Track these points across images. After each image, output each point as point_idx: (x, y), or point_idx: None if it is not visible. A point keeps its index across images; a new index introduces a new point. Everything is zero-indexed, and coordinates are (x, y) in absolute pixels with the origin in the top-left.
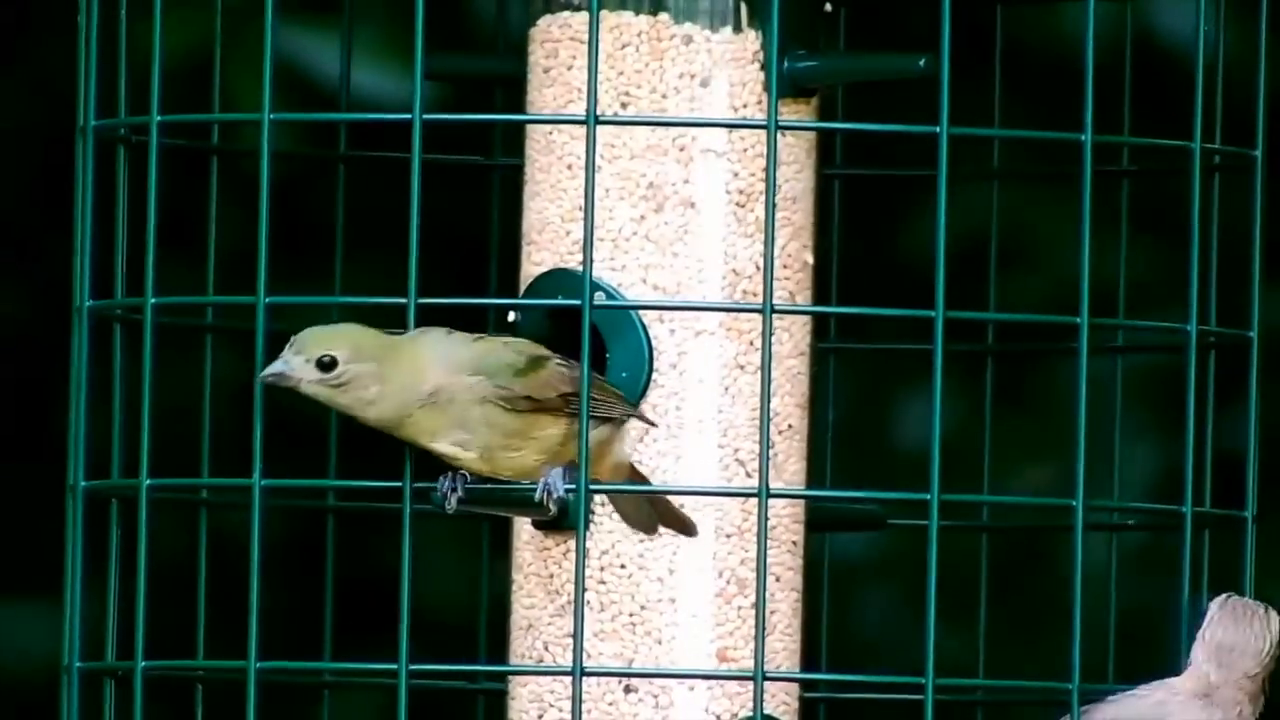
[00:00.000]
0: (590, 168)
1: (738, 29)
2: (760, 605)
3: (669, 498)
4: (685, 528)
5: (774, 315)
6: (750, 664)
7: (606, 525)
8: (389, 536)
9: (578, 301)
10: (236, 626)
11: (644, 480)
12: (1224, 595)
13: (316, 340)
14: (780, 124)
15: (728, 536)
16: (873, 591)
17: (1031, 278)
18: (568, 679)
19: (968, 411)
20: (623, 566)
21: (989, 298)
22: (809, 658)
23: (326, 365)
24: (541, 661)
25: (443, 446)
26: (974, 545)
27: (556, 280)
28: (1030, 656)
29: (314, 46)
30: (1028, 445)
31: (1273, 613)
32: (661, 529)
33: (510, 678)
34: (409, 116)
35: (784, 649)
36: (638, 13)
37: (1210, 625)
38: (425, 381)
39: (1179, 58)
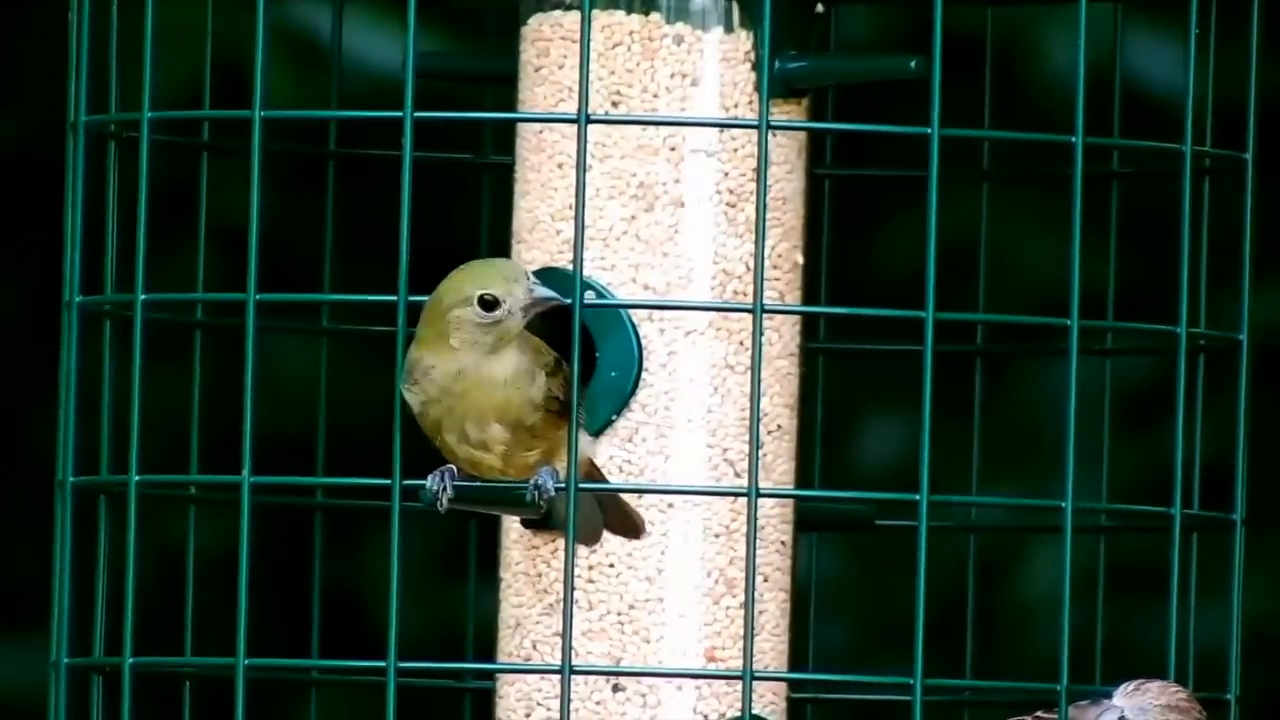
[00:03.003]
0: (581, 167)
1: (729, 29)
2: (749, 605)
3: (624, 496)
4: (635, 530)
5: (764, 316)
6: (737, 663)
7: None
8: (376, 535)
9: (568, 300)
10: (223, 624)
11: (601, 476)
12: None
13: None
14: (771, 124)
15: (716, 536)
16: (846, 601)
17: (1012, 283)
18: (555, 678)
19: (943, 416)
20: (611, 566)
21: (971, 303)
22: (796, 658)
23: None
24: (529, 660)
25: (480, 436)
26: (954, 549)
27: (547, 279)
28: (1005, 659)
29: (319, 13)
30: (999, 450)
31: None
32: (607, 535)
33: (498, 677)
34: (400, 114)
35: (772, 649)
36: (629, 12)
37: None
38: (511, 362)
39: (1162, 75)
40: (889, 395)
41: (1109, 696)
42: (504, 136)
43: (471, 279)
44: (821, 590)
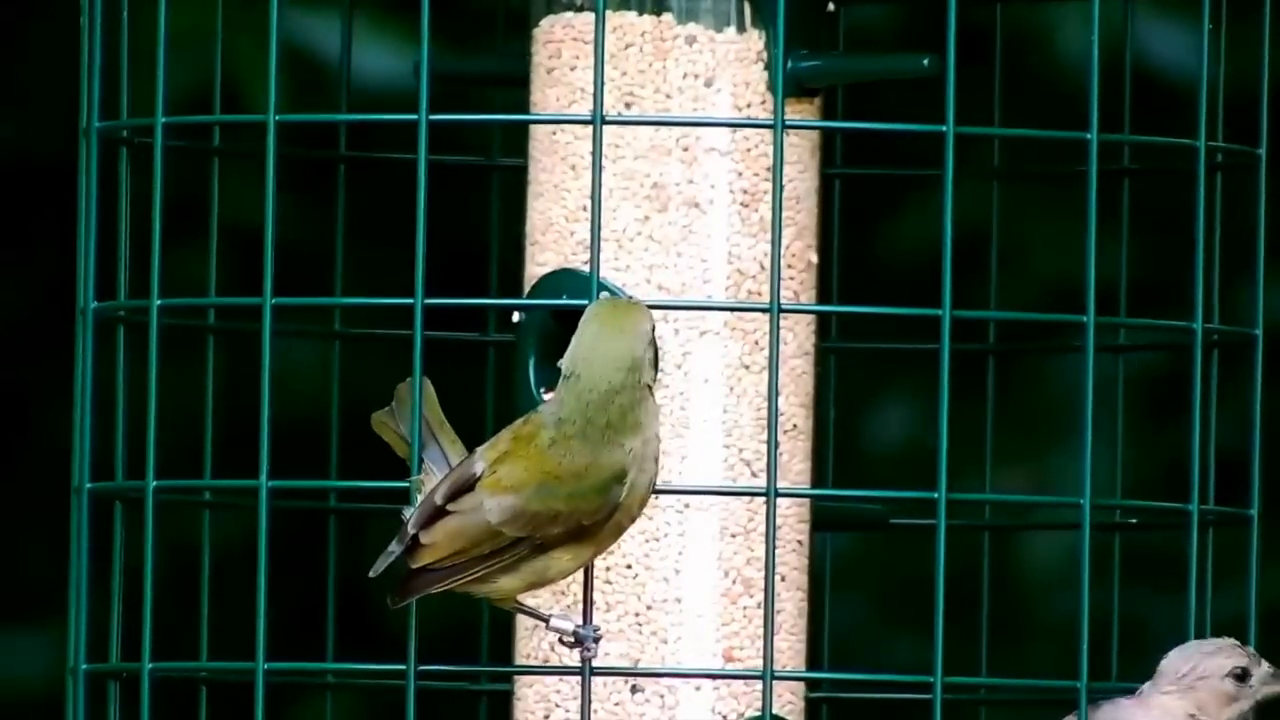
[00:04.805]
0: (597, 168)
1: (741, 29)
2: (768, 605)
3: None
4: None
5: (780, 315)
6: (755, 663)
7: None
8: (389, 534)
9: (584, 302)
10: (234, 627)
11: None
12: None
13: None
14: (786, 123)
15: (733, 536)
16: (852, 592)
17: (1020, 278)
18: (574, 679)
19: (955, 408)
20: (629, 567)
21: (978, 298)
22: (811, 657)
23: None
24: (547, 662)
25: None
26: (966, 528)
27: (560, 280)
28: (1005, 657)
29: (318, 28)
30: (1013, 441)
31: (1231, 650)
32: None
33: (516, 678)
34: (414, 117)
35: (789, 648)
36: (641, 13)
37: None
38: None
39: (1173, 63)
40: (896, 390)
41: (1131, 693)
42: (513, 138)
43: None
44: (835, 576)
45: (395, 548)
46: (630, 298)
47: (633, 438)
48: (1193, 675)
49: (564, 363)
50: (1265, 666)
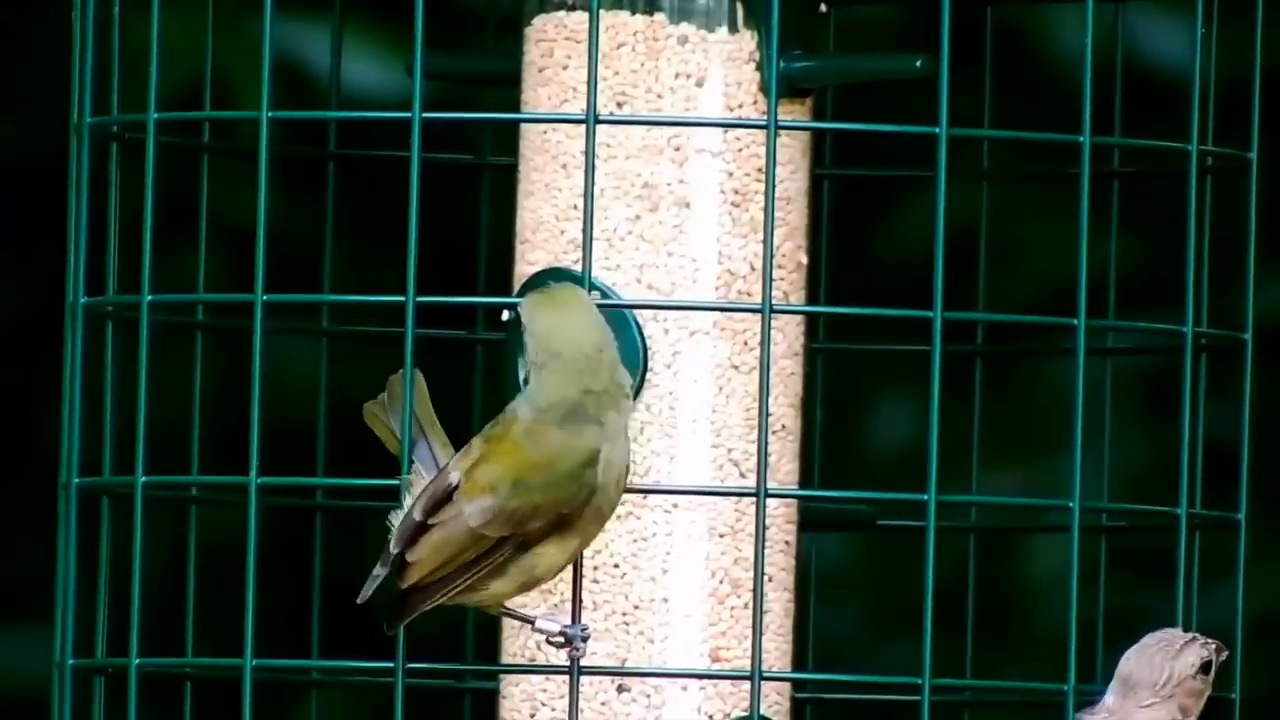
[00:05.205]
0: (590, 167)
1: (733, 29)
2: (757, 605)
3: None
4: None
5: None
6: (742, 663)
7: None
8: (377, 531)
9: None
10: (220, 624)
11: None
12: (1159, 630)
13: None
14: (780, 124)
15: (721, 536)
16: (839, 593)
17: (1017, 278)
18: (560, 678)
19: (943, 407)
20: (616, 566)
21: (972, 299)
22: (797, 657)
23: None
24: (534, 661)
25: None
26: (954, 532)
27: (551, 279)
28: (995, 661)
29: (305, 39)
30: (1001, 440)
31: (1190, 647)
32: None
33: (502, 677)
34: (409, 115)
35: (775, 649)
36: (634, 12)
37: (1124, 658)
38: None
39: (1166, 61)
40: (886, 391)
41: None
42: (503, 137)
43: None
44: (821, 577)
45: (380, 571)
46: (549, 284)
47: (610, 410)
48: (1172, 683)
49: (528, 361)
50: (1212, 646)
